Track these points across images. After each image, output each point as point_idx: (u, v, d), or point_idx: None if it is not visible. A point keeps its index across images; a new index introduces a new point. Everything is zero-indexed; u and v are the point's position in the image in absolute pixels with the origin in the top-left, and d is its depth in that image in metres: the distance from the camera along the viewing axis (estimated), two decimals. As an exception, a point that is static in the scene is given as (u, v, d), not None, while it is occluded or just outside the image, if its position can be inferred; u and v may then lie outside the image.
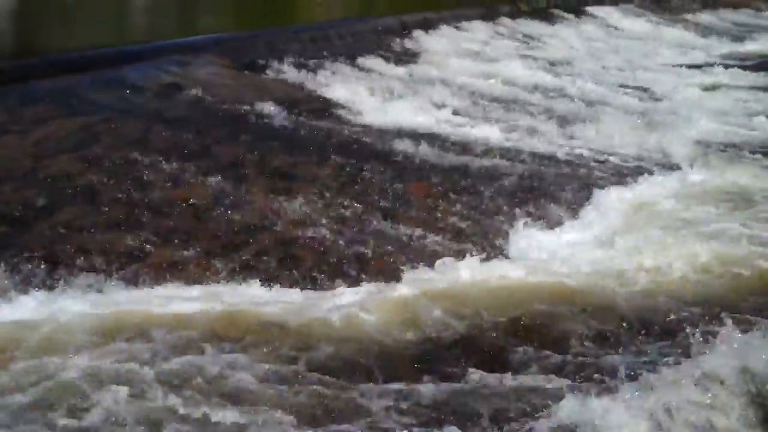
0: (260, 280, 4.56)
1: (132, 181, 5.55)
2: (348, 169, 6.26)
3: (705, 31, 16.91)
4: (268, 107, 7.52)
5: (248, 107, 7.48)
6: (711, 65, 12.75)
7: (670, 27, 16.69)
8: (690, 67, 12.51)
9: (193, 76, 8.12)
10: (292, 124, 7.25)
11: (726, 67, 12.39)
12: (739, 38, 16.40)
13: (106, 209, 5.16)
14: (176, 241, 4.92)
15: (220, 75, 8.45)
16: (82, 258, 4.59)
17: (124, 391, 3.25)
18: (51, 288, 4.28)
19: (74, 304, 4.06)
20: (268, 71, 8.90)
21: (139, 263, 4.63)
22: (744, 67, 12.42)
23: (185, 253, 4.79)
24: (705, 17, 18.38)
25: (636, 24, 16.73)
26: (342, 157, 6.50)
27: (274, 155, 6.37)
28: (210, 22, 15.76)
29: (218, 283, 4.49)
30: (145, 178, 5.65)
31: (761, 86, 10.75)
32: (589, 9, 17.04)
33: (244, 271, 4.67)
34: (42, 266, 4.43)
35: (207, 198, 5.49)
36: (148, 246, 4.82)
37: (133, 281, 4.42)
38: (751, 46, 15.46)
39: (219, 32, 10.66)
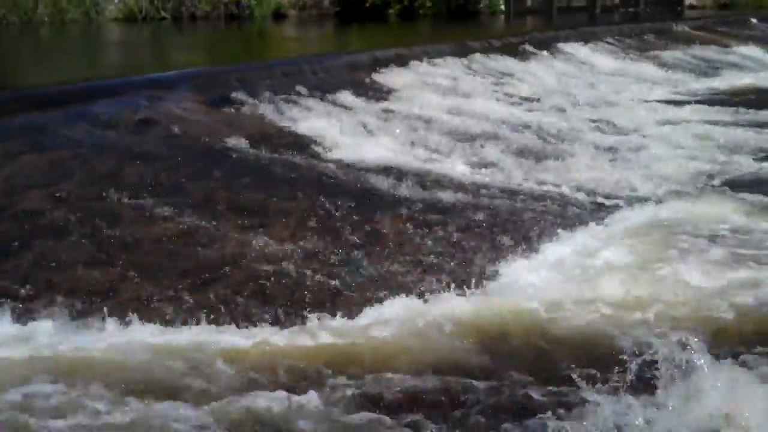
0: (231, 317, 4.55)
1: (102, 217, 5.54)
2: (320, 204, 6.28)
3: (674, 67, 17.15)
4: (241, 142, 7.54)
5: (221, 143, 7.49)
6: (679, 101, 12.95)
7: (640, 63, 16.92)
8: (659, 102, 12.69)
9: (165, 112, 8.12)
10: (265, 160, 7.27)
11: (694, 102, 12.56)
12: (707, 74, 16.67)
13: (76, 246, 5.14)
14: (147, 278, 4.90)
15: (193, 110, 8.45)
16: (51, 295, 4.56)
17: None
18: (22, 323, 4.25)
19: (41, 342, 4.03)
20: (240, 106, 8.92)
21: (109, 300, 4.61)
22: (712, 102, 12.62)
23: (155, 290, 4.78)
24: (674, 54, 18.64)
25: (606, 60, 16.94)
26: (314, 192, 6.52)
27: (246, 191, 6.39)
28: (183, 57, 15.80)
29: (188, 320, 4.46)
30: (116, 214, 5.65)
31: (729, 122, 10.91)
32: (560, 45, 17.23)
33: (215, 308, 4.66)
34: (10, 303, 4.40)
35: (178, 234, 5.49)
36: (118, 283, 4.81)
37: (102, 319, 4.38)
38: (718, 82, 15.72)
39: (192, 67, 10.66)
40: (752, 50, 19.93)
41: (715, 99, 13.21)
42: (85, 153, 6.71)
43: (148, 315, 4.47)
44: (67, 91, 8.31)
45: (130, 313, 4.39)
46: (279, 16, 32.00)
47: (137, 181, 6.23)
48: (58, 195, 5.80)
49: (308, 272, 5.20)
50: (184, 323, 4.42)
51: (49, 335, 4.14)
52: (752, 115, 11.52)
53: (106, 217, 5.56)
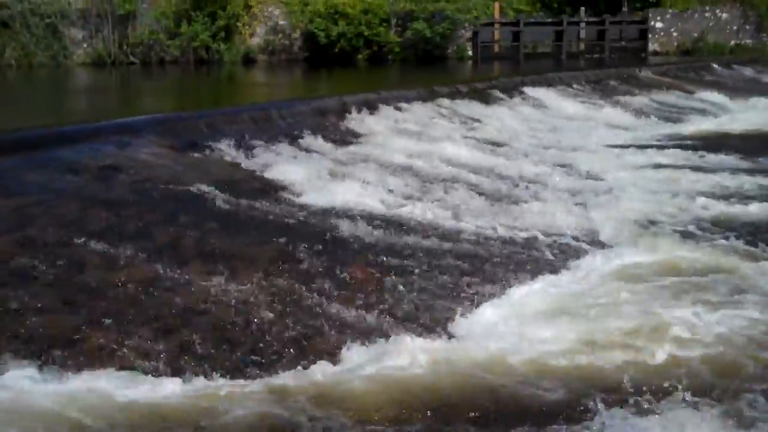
0: (195, 365, 4.50)
1: (67, 263, 5.49)
2: (287, 249, 6.26)
3: (638, 112, 17.36)
4: (208, 188, 7.53)
5: (188, 188, 7.47)
6: (644, 145, 13.09)
7: (605, 108, 17.11)
8: (623, 147, 12.82)
9: (132, 157, 8.10)
10: (232, 205, 7.25)
11: (659, 147, 12.71)
12: (670, 119, 16.88)
13: (40, 292, 5.08)
14: (112, 325, 4.84)
15: (160, 156, 8.44)
16: (14, 343, 4.49)
17: None
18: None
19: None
20: (208, 152, 8.92)
21: (73, 348, 4.55)
22: (676, 147, 12.75)
23: (120, 337, 4.72)
24: (638, 99, 18.89)
25: (572, 105, 17.12)
26: (281, 237, 6.51)
27: (213, 237, 6.35)
28: (151, 102, 15.79)
29: (151, 369, 4.41)
30: (81, 260, 5.60)
31: (691, 166, 11.03)
32: (527, 90, 17.42)
33: (180, 356, 4.61)
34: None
35: (144, 280, 5.44)
36: (83, 330, 4.75)
37: (63, 367, 4.32)
38: (682, 128, 15.91)
39: (160, 112, 10.65)
40: (715, 96, 20.25)
41: (680, 144, 13.37)
42: (51, 199, 6.66)
43: (110, 363, 4.41)
44: (33, 136, 8.28)
45: (92, 361, 4.33)
46: (249, 60, 32.12)
47: (102, 227, 6.18)
48: (22, 241, 5.74)
49: (275, 318, 5.17)
50: (146, 372, 4.37)
51: (10, 383, 4.07)
52: (715, 159, 11.67)
53: (71, 263, 5.51)
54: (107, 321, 4.87)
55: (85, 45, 32.90)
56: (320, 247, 6.41)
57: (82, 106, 15.43)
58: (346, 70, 27.28)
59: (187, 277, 5.58)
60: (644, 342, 4.89)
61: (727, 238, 7.20)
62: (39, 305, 4.95)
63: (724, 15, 35.13)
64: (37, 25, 31.07)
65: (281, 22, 32.83)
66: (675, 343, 4.86)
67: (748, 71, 26.46)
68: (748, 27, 35.01)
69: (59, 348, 4.53)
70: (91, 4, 32.31)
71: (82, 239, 5.86)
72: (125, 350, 4.60)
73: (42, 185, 6.93)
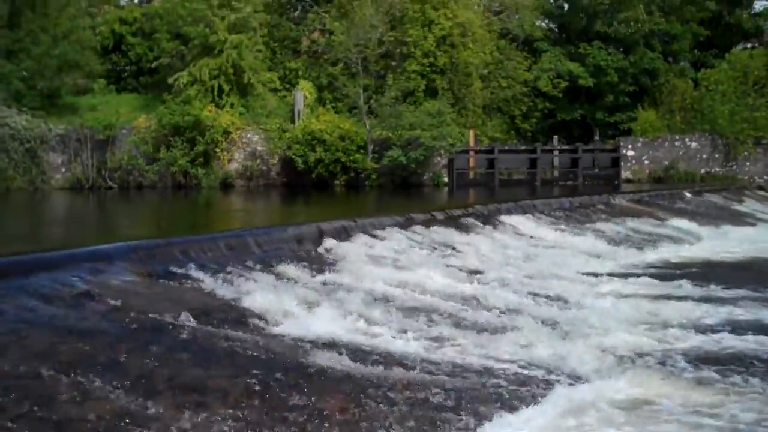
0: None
1: (37, 396, 5.36)
2: (261, 381, 6.16)
3: (612, 239, 17.55)
4: (182, 317, 7.46)
5: (161, 317, 7.40)
6: (618, 273, 13.19)
7: (579, 236, 17.28)
8: (597, 275, 12.89)
9: (106, 285, 8.04)
10: (206, 335, 7.17)
11: (633, 275, 12.81)
12: (644, 247, 17.06)
13: (9, 426, 4.94)
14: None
15: (134, 283, 8.39)
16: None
17: None
18: None
19: None
20: (183, 279, 8.88)
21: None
22: (650, 275, 12.84)
23: (87, 476, 4.58)
24: (611, 226, 19.13)
25: (546, 232, 17.27)
26: (256, 369, 6.41)
27: (186, 368, 6.25)
28: (126, 228, 15.79)
29: None
30: (51, 393, 5.47)
31: (665, 295, 11.09)
32: (502, 217, 17.61)
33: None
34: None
35: (113, 414, 5.31)
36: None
37: None
38: (654, 255, 16.10)
39: (135, 239, 10.62)
40: (687, 223, 20.56)
41: (654, 272, 13.49)
42: (22, 328, 6.57)
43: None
44: (5, 263, 8.20)
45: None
46: (226, 185, 32.43)
47: (74, 358, 6.07)
48: (-9, 372, 5.63)
49: (248, 454, 5.05)
50: None
51: None
52: (690, 288, 11.77)
53: (41, 396, 5.38)
54: (74, 458, 4.73)
55: (63, 169, 33.19)
56: (295, 378, 6.32)
57: (57, 232, 15.40)
58: (323, 196, 27.57)
59: (157, 410, 5.45)
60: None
61: (706, 371, 7.18)
62: (6, 440, 4.81)
63: (694, 144, 36.08)
64: (15, 149, 31.38)
65: (259, 148, 33.35)
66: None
67: (718, 199, 26.99)
68: (717, 155, 35.93)
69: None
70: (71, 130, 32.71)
71: (53, 371, 5.74)
72: (91, 490, 4.45)
73: (13, 314, 6.84)
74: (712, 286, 11.68)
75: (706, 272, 13.48)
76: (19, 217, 19.34)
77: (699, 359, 7.68)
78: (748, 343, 8.29)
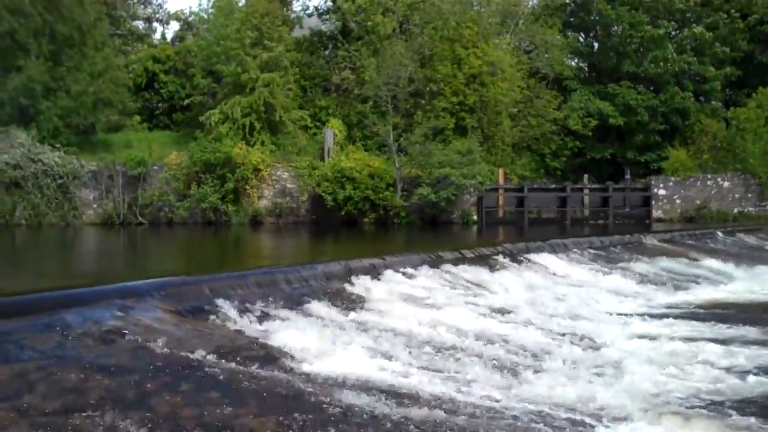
0: None
1: (65, 433, 5.37)
2: (289, 421, 6.12)
3: (642, 279, 17.37)
4: (211, 355, 7.45)
5: (190, 355, 7.39)
6: (651, 314, 13.02)
7: (609, 275, 17.13)
8: (629, 315, 12.74)
9: (134, 322, 8.05)
10: (234, 373, 7.14)
11: (664, 317, 12.64)
12: (675, 287, 16.85)
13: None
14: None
15: (163, 320, 8.39)
16: None
17: None
18: None
19: None
20: (211, 317, 8.88)
21: None
22: (682, 317, 12.68)
23: None
24: (642, 266, 18.94)
25: (575, 271, 17.14)
26: (283, 408, 6.38)
27: (214, 406, 6.23)
28: (156, 265, 15.86)
29: None
30: (79, 430, 5.47)
31: (697, 337, 10.93)
32: (531, 256, 17.51)
33: None
34: None
35: (141, 453, 5.30)
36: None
37: None
38: (687, 296, 15.89)
39: (164, 276, 10.65)
40: (719, 263, 20.32)
41: (686, 313, 13.31)
42: (51, 364, 6.58)
43: None
44: (34, 299, 8.24)
45: None
46: (256, 222, 32.58)
47: (102, 395, 6.08)
48: (20, 408, 5.64)
49: (274, 496, 5.00)
50: None
51: None
52: (725, 329, 11.58)
53: (69, 433, 5.38)
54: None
55: (95, 205, 33.53)
56: (322, 418, 6.27)
57: (88, 268, 15.50)
58: (352, 233, 27.58)
59: (185, 449, 5.43)
60: None
61: (744, 415, 7.02)
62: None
63: (726, 183, 35.82)
64: (48, 185, 31.77)
65: (289, 185, 33.53)
66: None
67: (751, 239, 26.68)
68: (750, 195, 35.63)
69: None
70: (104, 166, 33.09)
71: (81, 408, 5.75)
72: None
73: (43, 350, 6.87)
74: (747, 328, 11.49)
75: (739, 313, 13.27)
76: (51, 253, 19.52)
77: (734, 403, 7.53)
78: (786, 387, 8.13)
